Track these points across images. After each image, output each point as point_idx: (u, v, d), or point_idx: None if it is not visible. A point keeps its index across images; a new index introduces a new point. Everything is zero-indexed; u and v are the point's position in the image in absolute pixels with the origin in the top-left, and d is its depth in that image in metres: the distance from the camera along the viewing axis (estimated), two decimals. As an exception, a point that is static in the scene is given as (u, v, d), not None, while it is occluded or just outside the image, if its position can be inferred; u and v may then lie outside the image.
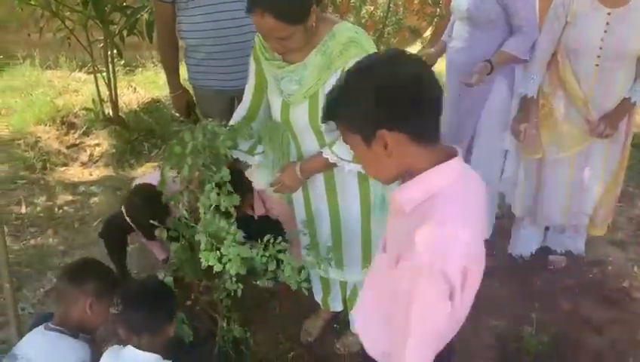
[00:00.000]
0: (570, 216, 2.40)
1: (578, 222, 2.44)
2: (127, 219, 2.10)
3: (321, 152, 1.65)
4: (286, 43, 1.48)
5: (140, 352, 1.47)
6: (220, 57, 2.25)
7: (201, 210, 1.64)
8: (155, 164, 3.51)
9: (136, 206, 2.06)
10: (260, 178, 1.87)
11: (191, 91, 2.52)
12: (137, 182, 2.31)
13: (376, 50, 1.55)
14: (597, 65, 2.06)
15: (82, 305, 1.60)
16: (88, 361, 1.57)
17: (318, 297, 2.14)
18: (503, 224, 2.75)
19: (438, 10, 5.23)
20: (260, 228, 1.77)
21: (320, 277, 2.03)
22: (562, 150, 2.25)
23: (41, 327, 1.61)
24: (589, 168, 2.29)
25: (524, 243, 2.61)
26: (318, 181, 1.76)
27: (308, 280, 1.78)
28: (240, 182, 2.01)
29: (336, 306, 2.15)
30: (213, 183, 1.63)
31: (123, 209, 2.13)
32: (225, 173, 1.64)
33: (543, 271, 2.55)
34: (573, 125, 2.20)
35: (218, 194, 1.61)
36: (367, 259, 1.85)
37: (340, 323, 2.21)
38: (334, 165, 1.65)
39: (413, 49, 5.22)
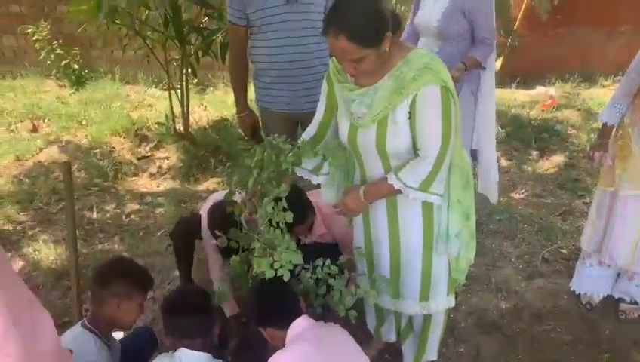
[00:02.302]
0: (638, 261, 2.26)
1: None
2: (208, 229, 2.13)
3: (386, 178, 1.64)
4: (359, 66, 1.50)
5: (195, 352, 1.62)
6: (287, 81, 2.31)
7: (260, 222, 1.67)
8: (220, 179, 3.61)
9: (221, 219, 1.98)
10: (325, 196, 1.90)
11: (257, 113, 2.58)
12: (214, 197, 2.35)
13: (448, 78, 1.54)
14: None
15: (111, 305, 1.71)
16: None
17: (372, 326, 2.10)
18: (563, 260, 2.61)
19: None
20: (315, 252, 1.78)
21: (375, 306, 1.99)
22: (635, 187, 2.15)
23: (79, 323, 1.74)
24: None
25: (592, 283, 2.46)
26: (380, 207, 1.75)
27: (358, 308, 1.75)
28: (300, 201, 2.04)
29: (390, 337, 2.10)
30: (272, 197, 1.66)
31: (206, 217, 2.16)
32: (283, 189, 1.67)
33: (612, 319, 2.40)
34: None
35: (273, 208, 1.64)
36: (425, 291, 1.80)
37: (392, 354, 2.16)
38: (399, 192, 1.64)
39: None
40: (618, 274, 2.47)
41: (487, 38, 2.49)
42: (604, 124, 2.23)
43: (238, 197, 1.82)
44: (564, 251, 2.87)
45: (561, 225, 3.11)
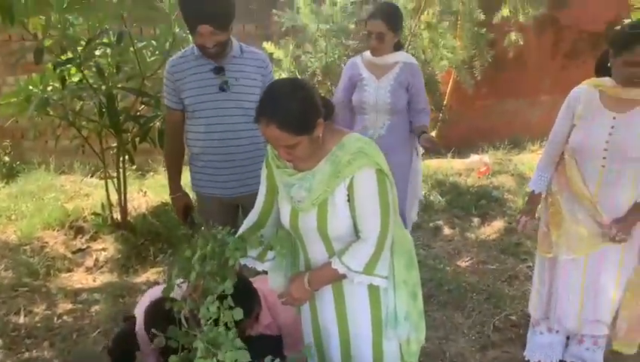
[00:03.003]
0: (585, 324, 2.29)
1: (595, 331, 2.32)
2: (145, 333, 1.98)
3: (330, 262, 1.61)
4: (293, 151, 1.52)
5: None
6: (220, 166, 2.31)
7: (203, 322, 1.58)
8: (161, 269, 3.45)
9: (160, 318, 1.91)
10: (273, 283, 1.83)
11: (193, 196, 2.55)
12: (152, 293, 2.21)
13: (382, 161, 1.57)
14: (603, 166, 2.08)
15: None
16: None
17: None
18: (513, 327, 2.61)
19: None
20: (262, 346, 1.69)
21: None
22: (572, 251, 2.20)
23: None
24: (604, 273, 2.21)
25: (544, 350, 2.46)
26: (327, 294, 1.71)
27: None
28: (246, 293, 1.95)
29: None
30: (215, 295, 1.58)
31: (140, 322, 2.02)
32: (228, 286, 1.59)
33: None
34: (583, 226, 2.17)
35: (218, 307, 1.56)
36: (378, 379, 1.73)
37: None
38: (344, 276, 1.61)
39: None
40: (567, 338, 2.49)
41: (425, 107, 2.84)
42: (532, 192, 2.34)
43: (177, 292, 1.73)
44: (513, 318, 2.87)
45: (508, 291, 3.14)
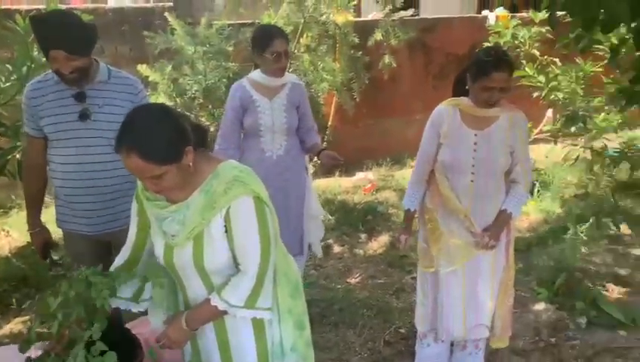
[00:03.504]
0: (470, 330, 2.40)
1: (478, 335, 2.45)
2: None
3: (209, 299, 1.52)
4: (160, 182, 1.42)
5: None
6: (83, 200, 2.12)
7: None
8: (26, 318, 3.08)
9: None
10: (154, 324, 1.69)
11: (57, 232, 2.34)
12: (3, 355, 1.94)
13: (261, 188, 1.53)
14: (472, 181, 2.21)
15: None
16: None
17: None
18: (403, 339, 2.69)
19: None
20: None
21: None
22: (452, 263, 2.31)
23: None
24: (480, 279, 2.34)
25: (433, 361, 2.54)
26: (209, 332, 1.61)
27: None
28: (122, 337, 1.78)
29: None
30: (83, 344, 1.42)
31: None
32: (95, 329, 1.43)
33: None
34: (460, 238, 2.28)
35: (86, 357, 1.40)
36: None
37: None
38: (224, 313, 1.52)
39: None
40: (452, 344, 2.59)
41: (314, 125, 2.91)
42: (407, 210, 2.41)
43: (38, 348, 1.53)
44: (402, 331, 2.95)
45: (397, 304, 3.24)
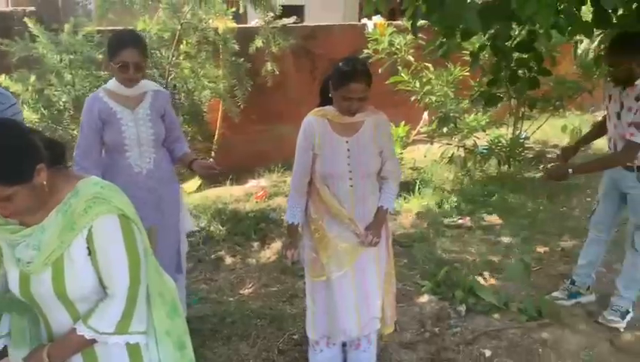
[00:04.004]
0: (364, 326, 2.46)
1: (372, 328, 2.51)
2: None
3: (75, 329, 1.39)
4: (8, 205, 1.28)
5: None
6: None
7: None
8: None
9: None
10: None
11: None
12: None
13: (126, 205, 1.43)
14: (351, 186, 2.28)
15: None
16: None
17: None
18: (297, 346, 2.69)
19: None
20: None
21: None
22: (342, 267, 2.35)
23: None
24: (368, 275, 2.41)
25: None
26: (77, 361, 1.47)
27: None
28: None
29: None
30: None
31: None
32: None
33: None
34: (347, 241, 2.34)
35: None
36: None
37: None
38: (93, 341, 1.41)
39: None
40: (344, 344, 2.64)
41: (181, 135, 2.80)
42: (291, 224, 2.37)
43: None
44: (295, 337, 2.95)
45: (290, 310, 3.23)
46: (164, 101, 2.64)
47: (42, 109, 3.65)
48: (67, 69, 3.50)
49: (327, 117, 2.25)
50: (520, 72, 3.02)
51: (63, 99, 3.58)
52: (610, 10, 2.54)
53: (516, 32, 2.89)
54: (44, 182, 1.33)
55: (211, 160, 5.44)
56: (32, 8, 4.34)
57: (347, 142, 2.26)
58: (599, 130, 3.19)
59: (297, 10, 8.94)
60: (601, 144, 3.65)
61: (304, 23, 6.84)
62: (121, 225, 1.39)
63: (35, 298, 1.41)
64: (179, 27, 4.20)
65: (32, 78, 3.59)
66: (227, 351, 2.83)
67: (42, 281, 1.38)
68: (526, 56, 3.02)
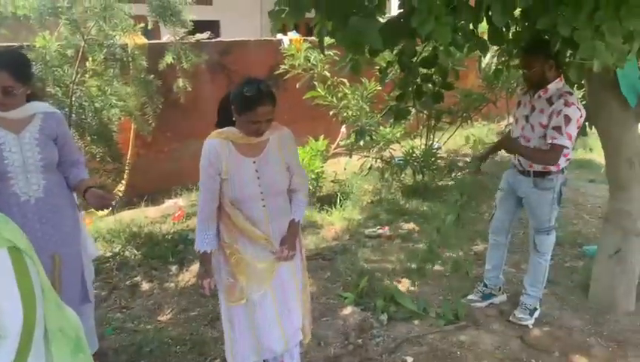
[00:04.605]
0: (289, 339, 2.43)
1: (296, 340, 2.50)
2: None
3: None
4: None
5: None
6: None
7: None
8: None
9: None
10: None
11: None
12: None
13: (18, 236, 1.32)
14: (264, 205, 2.25)
15: None
16: None
17: None
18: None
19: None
20: None
21: None
22: (262, 286, 2.32)
23: None
24: (287, 290, 2.41)
25: None
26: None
27: None
28: None
29: None
30: None
31: None
32: None
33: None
34: (264, 260, 2.31)
35: None
36: None
37: None
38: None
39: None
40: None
41: (80, 158, 2.61)
42: (204, 253, 2.27)
43: None
44: (218, 361, 2.86)
45: (212, 334, 3.13)
46: (56, 123, 2.44)
47: None
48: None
49: (231, 139, 2.18)
50: (424, 86, 3.16)
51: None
52: (503, 28, 2.73)
53: (421, 48, 3.03)
54: None
55: (123, 182, 5.20)
56: None
57: (254, 162, 2.22)
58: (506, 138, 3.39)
59: (212, 26, 8.85)
60: (507, 155, 3.89)
61: (219, 39, 6.75)
62: (12, 260, 1.28)
63: None
64: (83, 43, 3.98)
65: None
66: (145, 383, 2.68)
67: None
68: (431, 71, 3.17)
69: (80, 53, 4.01)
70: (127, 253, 4.15)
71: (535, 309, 3.26)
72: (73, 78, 3.95)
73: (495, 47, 4.18)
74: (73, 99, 3.97)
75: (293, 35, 6.37)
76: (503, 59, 3.57)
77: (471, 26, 2.49)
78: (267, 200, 2.25)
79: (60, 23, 3.94)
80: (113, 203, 2.51)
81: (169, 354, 2.92)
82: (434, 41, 2.59)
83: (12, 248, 1.29)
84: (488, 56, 5.88)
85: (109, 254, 4.10)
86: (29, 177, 2.34)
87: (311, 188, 5.32)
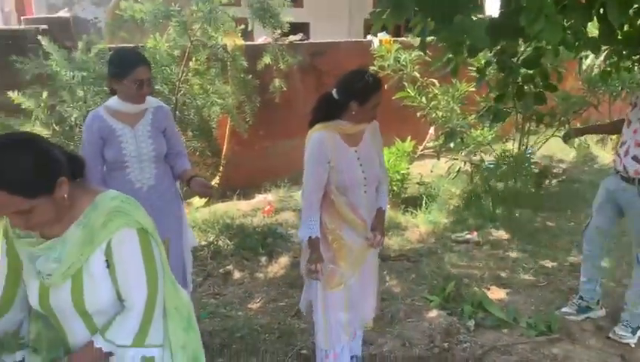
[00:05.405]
0: (364, 317, 2.62)
1: (372, 316, 2.66)
2: None
3: (92, 342, 1.41)
4: (30, 218, 1.30)
5: None
6: None
7: None
8: None
9: None
10: None
11: None
12: None
13: (144, 218, 1.46)
14: (365, 192, 2.39)
15: None
16: None
17: None
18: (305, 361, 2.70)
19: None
20: None
21: None
22: (355, 270, 2.45)
23: None
24: (372, 273, 2.59)
25: None
26: (90, 374, 1.48)
27: None
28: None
29: None
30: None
31: None
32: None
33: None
34: (359, 246, 2.43)
35: None
36: None
37: None
38: (110, 354, 1.42)
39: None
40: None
41: (182, 150, 2.81)
42: (315, 238, 2.34)
43: None
44: (304, 351, 2.95)
45: (298, 325, 3.23)
46: (164, 117, 2.67)
47: (54, 125, 3.70)
48: (79, 86, 3.55)
49: (336, 130, 2.31)
50: (526, 87, 3.05)
51: (74, 115, 3.62)
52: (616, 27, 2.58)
53: (522, 48, 2.93)
54: (65, 196, 1.35)
55: (218, 176, 5.49)
56: (45, 26, 4.42)
57: (356, 151, 2.35)
58: (612, 128, 3.22)
59: (303, 28, 9.07)
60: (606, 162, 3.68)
61: (310, 40, 6.91)
62: (139, 239, 1.41)
63: (54, 310, 1.43)
64: (189, 44, 4.26)
65: (45, 94, 3.65)
66: (236, 367, 2.83)
67: (61, 293, 1.40)
68: (532, 72, 3.05)
69: (186, 54, 4.28)
70: (220, 243, 4.37)
71: (638, 327, 3.04)
72: (179, 76, 4.24)
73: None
74: (178, 96, 4.25)
75: (382, 35, 6.37)
76: (612, 60, 3.36)
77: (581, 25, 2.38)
78: (368, 186, 2.38)
79: (168, 26, 4.23)
80: (213, 192, 2.69)
81: (258, 341, 3.05)
82: (539, 41, 2.50)
83: (140, 229, 1.42)
84: (590, 57, 5.55)
85: (204, 243, 4.35)
86: (143, 166, 2.57)
87: (395, 189, 5.30)
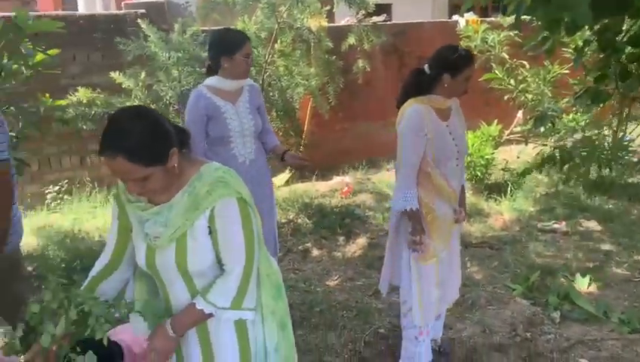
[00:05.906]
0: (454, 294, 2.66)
1: (455, 297, 2.69)
2: None
3: (194, 304, 1.51)
4: (145, 184, 1.42)
5: None
6: None
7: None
8: None
9: None
10: (137, 331, 1.61)
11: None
12: None
13: (244, 189, 1.54)
14: (457, 165, 2.42)
15: None
16: None
17: None
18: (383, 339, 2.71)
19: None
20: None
21: None
22: (446, 244, 2.46)
23: None
24: (456, 249, 2.61)
25: (427, 356, 2.57)
26: (192, 337, 1.59)
27: None
28: (102, 345, 1.76)
29: None
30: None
31: None
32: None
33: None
34: (449, 219, 2.46)
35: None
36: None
37: None
38: (210, 316, 1.52)
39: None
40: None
41: (270, 127, 2.95)
42: (417, 210, 2.34)
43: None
44: (382, 331, 2.98)
45: (376, 305, 3.26)
46: (258, 95, 2.81)
47: (150, 103, 3.94)
48: (174, 66, 3.75)
49: (430, 104, 2.34)
50: (631, 67, 2.83)
51: (169, 95, 3.84)
52: None
53: (628, 25, 2.72)
54: (175, 165, 1.45)
55: (300, 154, 5.61)
56: (143, 11, 4.70)
57: (447, 125, 2.38)
58: None
59: (385, 9, 8.94)
60: None
61: (393, 21, 6.81)
62: (239, 208, 1.49)
63: (159, 270, 1.55)
64: (276, 26, 4.35)
65: (143, 74, 3.89)
66: (315, 339, 2.91)
67: (166, 255, 1.51)
68: (638, 50, 2.82)
69: (273, 35, 4.38)
70: (299, 221, 4.49)
71: None
72: (266, 58, 4.35)
73: None
74: (264, 77, 4.37)
75: (470, 15, 6.14)
76: None
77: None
78: (460, 159, 2.44)
79: (256, 8, 4.35)
80: (310, 165, 2.82)
81: (336, 317, 3.12)
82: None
83: (240, 199, 1.50)
84: None
85: (284, 220, 4.48)
86: (245, 141, 2.69)
87: (479, 174, 5.15)
